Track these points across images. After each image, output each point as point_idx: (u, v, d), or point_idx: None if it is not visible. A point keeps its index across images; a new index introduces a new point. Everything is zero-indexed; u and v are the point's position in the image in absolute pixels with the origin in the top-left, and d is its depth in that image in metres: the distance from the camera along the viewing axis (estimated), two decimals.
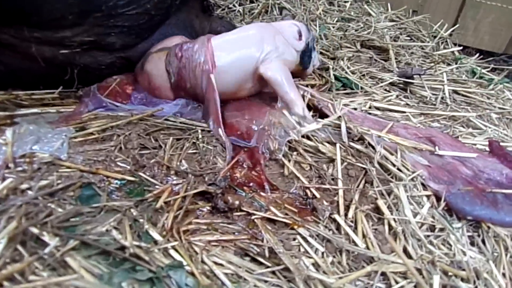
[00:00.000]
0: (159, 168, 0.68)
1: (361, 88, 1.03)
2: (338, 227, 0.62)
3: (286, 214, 0.63)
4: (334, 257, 0.58)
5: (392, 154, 0.74)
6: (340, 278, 0.53)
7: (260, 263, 0.55)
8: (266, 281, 0.52)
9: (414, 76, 1.07)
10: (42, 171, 0.60)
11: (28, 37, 0.81)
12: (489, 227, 0.64)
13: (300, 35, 0.91)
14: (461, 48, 1.37)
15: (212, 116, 0.82)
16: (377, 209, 0.66)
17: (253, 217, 0.62)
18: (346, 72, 1.08)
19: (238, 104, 0.88)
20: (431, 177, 0.71)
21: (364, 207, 0.65)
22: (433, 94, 1.04)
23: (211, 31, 1.10)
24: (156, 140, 0.75)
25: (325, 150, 0.76)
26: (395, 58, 1.19)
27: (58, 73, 0.86)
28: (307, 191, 0.68)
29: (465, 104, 1.04)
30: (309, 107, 0.89)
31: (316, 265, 0.56)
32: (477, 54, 1.39)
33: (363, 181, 0.71)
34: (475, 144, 0.85)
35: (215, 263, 0.53)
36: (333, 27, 1.35)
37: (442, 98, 1.03)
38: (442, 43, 1.39)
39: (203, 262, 0.53)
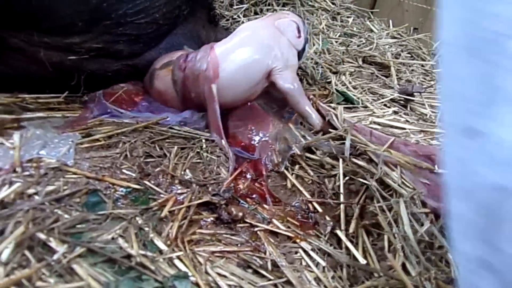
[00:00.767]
0: (164, 176, 0.69)
1: (362, 103, 1.04)
2: (339, 241, 0.63)
3: (289, 227, 0.64)
4: (335, 271, 0.58)
5: (393, 170, 0.76)
6: None
7: (263, 276, 0.56)
8: None
9: (415, 93, 1.09)
10: (49, 177, 0.61)
11: (37, 41, 0.82)
12: None
13: (299, 31, 0.92)
14: None
15: (213, 126, 0.83)
16: (378, 225, 0.67)
17: (256, 229, 0.63)
18: (347, 87, 1.10)
19: (242, 113, 0.89)
20: (430, 194, 0.72)
21: (364, 222, 0.66)
22: (433, 112, 1.07)
23: (216, 41, 1.11)
24: (161, 148, 0.76)
25: (327, 165, 0.77)
26: (396, 75, 1.21)
27: (65, 78, 0.87)
28: (309, 204, 0.69)
29: None
30: None
31: (317, 280, 0.57)
32: None
33: (364, 196, 0.72)
34: None
35: (219, 274, 0.53)
36: (336, 41, 1.37)
37: None
38: None
39: (206, 273, 0.53)
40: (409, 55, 1.40)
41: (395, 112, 1.05)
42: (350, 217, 0.67)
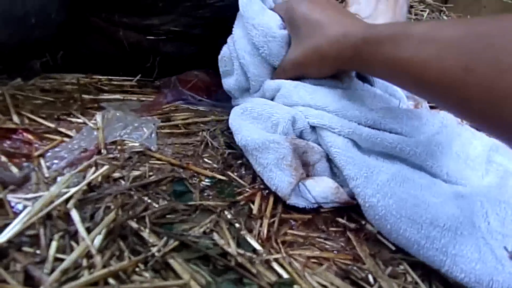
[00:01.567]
0: (246, 169, 0.64)
1: None
2: None
3: None
4: None
5: None
6: None
7: None
8: None
9: None
10: (134, 161, 0.57)
11: (117, 21, 0.80)
12: None
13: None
14: None
15: None
16: None
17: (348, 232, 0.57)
18: None
19: None
20: None
21: None
22: None
23: None
24: None
25: None
26: None
27: (140, 60, 0.84)
28: None
29: None
30: None
31: None
32: None
33: None
34: None
35: (319, 283, 0.47)
36: None
37: None
38: None
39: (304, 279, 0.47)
40: None
41: None
42: None
